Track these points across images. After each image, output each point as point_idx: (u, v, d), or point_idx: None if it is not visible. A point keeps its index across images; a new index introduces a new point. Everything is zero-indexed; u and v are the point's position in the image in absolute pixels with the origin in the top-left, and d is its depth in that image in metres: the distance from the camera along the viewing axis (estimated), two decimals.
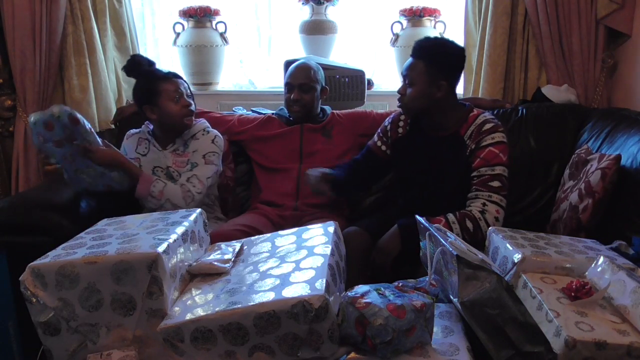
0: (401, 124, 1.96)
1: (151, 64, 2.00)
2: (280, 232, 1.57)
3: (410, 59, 1.82)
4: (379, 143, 2.00)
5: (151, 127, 2.07)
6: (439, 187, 1.83)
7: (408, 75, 1.80)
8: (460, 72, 1.86)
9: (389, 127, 1.99)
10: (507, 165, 1.75)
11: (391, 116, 2.02)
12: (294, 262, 1.33)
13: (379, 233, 1.78)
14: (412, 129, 1.94)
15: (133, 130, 2.10)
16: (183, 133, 2.01)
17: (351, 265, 1.67)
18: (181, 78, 2.00)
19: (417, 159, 1.88)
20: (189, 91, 2.00)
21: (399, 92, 1.84)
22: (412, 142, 1.92)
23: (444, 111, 1.82)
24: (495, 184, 1.73)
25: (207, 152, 2.01)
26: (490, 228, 1.62)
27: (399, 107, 1.87)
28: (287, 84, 2.19)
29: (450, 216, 1.70)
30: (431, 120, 1.85)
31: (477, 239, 1.66)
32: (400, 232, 1.73)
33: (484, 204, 1.71)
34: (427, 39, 1.86)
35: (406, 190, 1.94)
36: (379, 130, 2.03)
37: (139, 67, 1.97)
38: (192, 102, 1.99)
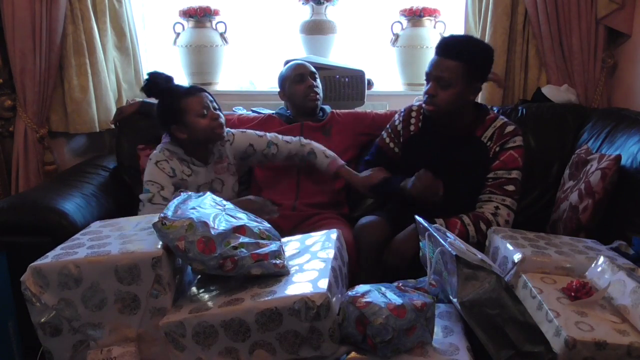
0: (413, 121, 1.89)
1: (169, 80, 1.92)
2: (284, 239, 1.55)
3: (437, 58, 1.71)
4: (389, 142, 1.94)
5: (176, 144, 1.92)
6: (456, 188, 1.77)
7: (443, 76, 1.69)
8: (490, 72, 1.79)
9: (399, 125, 1.92)
10: (522, 169, 1.76)
11: (401, 114, 1.94)
12: (297, 265, 1.33)
13: (399, 222, 1.76)
14: (425, 127, 1.86)
15: (165, 152, 1.88)
16: (217, 143, 1.95)
17: (367, 256, 1.68)
18: (205, 91, 1.90)
19: (432, 159, 1.81)
20: (214, 103, 1.90)
21: (428, 92, 1.73)
22: (425, 141, 1.85)
23: (466, 112, 1.79)
24: (510, 187, 1.74)
25: (254, 135, 2.03)
26: (490, 229, 1.62)
27: (426, 109, 1.77)
28: (297, 75, 2.18)
29: (465, 218, 1.71)
30: (451, 120, 1.78)
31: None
32: (417, 234, 1.66)
33: (496, 207, 1.72)
34: (458, 38, 1.79)
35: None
36: (387, 128, 1.96)
37: (157, 86, 1.88)
38: (219, 113, 1.89)
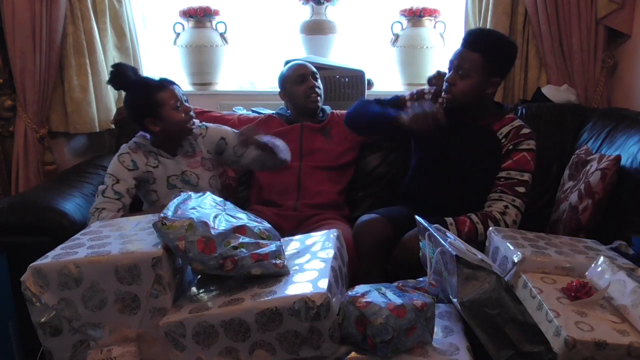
0: (440, 100, 1.90)
1: (135, 71, 1.92)
2: (284, 239, 1.56)
3: (462, 49, 1.76)
4: (409, 103, 1.93)
5: (147, 137, 1.95)
6: (466, 176, 1.82)
7: (462, 66, 1.74)
8: (511, 69, 1.83)
9: (428, 96, 1.94)
10: (533, 173, 1.79)
11: (432, 89, 1.97)
12: (298, 265, 1.33)
13: (400, 221, 1.77)
14: (447, 110, 1.86)
15: (131, 144, 1.92)
16: (188, 136, 1.97)
17: (366, 254, 1.68)
18: (175, 83, 1.92)
19: (446, 142, 1.85)
20: (184, 96, 1.93)
21: (447, 80, 1.78)
22: (444, 121, 1.85)
23: (484, 105, 1.83)
24: (521, 189, 1.76)
25: (229, 130, 2.03)
26: (490, 228, 1.62)
27: (444, 97, 1.81)
28: (298, 76, 2.18)
29: (474, 217, 1.73)
30: (468, 112, 1.82)
31: None
32: None
33: (506, 207, 1.74)
34: (483, 31, 1.84)
35: (429, 174, 1.91)
36: (414, 92, 1.99)
37: (127, 78, 1.87)
38: (190, 106, 1.93)
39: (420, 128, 1.71)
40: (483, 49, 1.73)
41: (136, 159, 1.88)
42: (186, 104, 1.91)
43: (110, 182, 1.83)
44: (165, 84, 1.88)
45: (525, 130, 1.82)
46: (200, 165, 1.98)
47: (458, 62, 1.76)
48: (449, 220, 1.72)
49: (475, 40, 1.76)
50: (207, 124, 2.05)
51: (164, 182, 1.92)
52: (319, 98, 2.20)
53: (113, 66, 1.90)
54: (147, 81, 1.90)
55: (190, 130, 1.93)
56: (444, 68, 1.95)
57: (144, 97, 1.85)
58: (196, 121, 1.97)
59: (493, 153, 1.81)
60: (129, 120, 1.97)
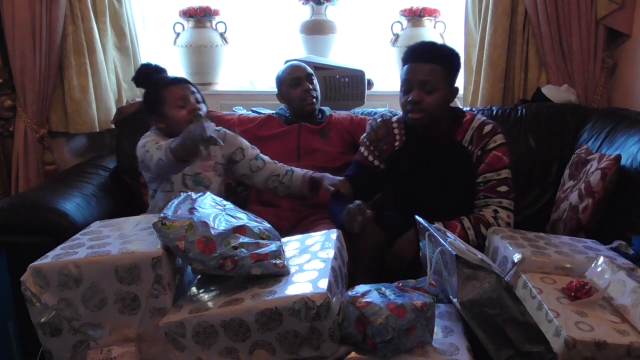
0: (397, 137, 1.85)
1: (160, 70, 1.89)
2: (284, 239, 1.56)
3: (415, 64, 1.69)
4: (369, 157, 1.87)
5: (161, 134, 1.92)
6: (447, 196, 1.76)
7: (427, 81, 1.66)
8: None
9: (380, 132, 1.85)
10: (510, 166, 1.74)
11: (394, 116, 1.90)
12: (297, 265, 1.33)
13: (391, 229, 1.75)
14: (408, 140, 1.83)
15: (150, 136, 1.86)
16: None
17: (361, 260, 1.68)
18: (188, 82, 1.87)
19: (419, 170, 1.78)
20: (197, 95, 1.88)
21: (413, 100, 1.67)
22: (410, 154, 1.82)
23: (444, 117, 1.76)
24: (503, 188, 1.71)
25: (247, 143, 2.00)
26: (490, 228, 1.62)
27: (412, 117, 1.71)
28: (293, 79, 2.17)
29: (465, 221, 1.68)
30: (432, 127, 1.75)
31: None
32: (417, 236, 1.63)
33: (495, 211, 1.70)
34: (429, 43, 1.79)
35: (407, 203, 1.83)
36: (365, 142, 1.88)
37: (147, 77, 1.86)
38: (200, 105, 1.86)
39: (352, 230, 1.64)
40: (441, 60, 1.68)
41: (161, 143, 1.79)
42: (196, 103, 1.85)
43: (157, 145, 1.75)
44: (172, 82, 1.85)
45: (487, 128, 1.75)
46: (213, 170, 1.94)
47: (420, 78, 1.66)
48: (438, 224, 1.65)
49: (428, 52, 1.69)
50: (226, 130, 1.99)
51: (179, 180, 1.88)
52: (314, 100, 2.19)
53: (141, 65, 1.95)
54: (158, 79, 1.88)
55: None
56: None
57: (151, 94, 1.85)
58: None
59: (466, 166, 1.74)
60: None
